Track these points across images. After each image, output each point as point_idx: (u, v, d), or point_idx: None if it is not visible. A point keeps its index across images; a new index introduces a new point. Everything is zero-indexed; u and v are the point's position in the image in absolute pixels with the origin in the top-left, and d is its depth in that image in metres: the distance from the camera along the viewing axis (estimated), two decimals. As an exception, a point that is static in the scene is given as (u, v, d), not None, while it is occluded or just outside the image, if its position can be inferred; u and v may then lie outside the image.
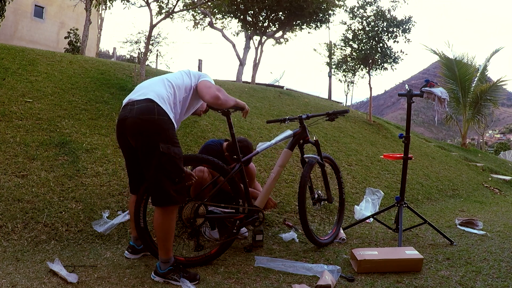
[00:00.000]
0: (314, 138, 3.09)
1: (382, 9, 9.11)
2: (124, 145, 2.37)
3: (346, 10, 9.67)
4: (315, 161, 3.02)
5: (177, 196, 2.22)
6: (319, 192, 3.12)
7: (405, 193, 3.44)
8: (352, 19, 9.48)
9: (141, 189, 2.38)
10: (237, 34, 13.80)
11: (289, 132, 2.99)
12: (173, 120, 2.25)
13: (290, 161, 4.67)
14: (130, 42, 19.47)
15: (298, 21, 11.74)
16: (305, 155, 3.04)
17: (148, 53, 15.56)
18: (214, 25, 12.22)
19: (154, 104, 2.19)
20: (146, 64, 12.39)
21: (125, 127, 2.24)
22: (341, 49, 10.35)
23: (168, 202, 2.20)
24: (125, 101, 2.32)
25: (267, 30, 11.94)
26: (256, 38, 12.10)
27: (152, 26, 6.45)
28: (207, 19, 12.50)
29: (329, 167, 3.28)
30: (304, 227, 2.88)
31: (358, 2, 9.33)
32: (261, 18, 11.60)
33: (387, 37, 9.14)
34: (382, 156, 4.18)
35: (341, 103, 17.08)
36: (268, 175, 4.18)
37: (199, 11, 12.61)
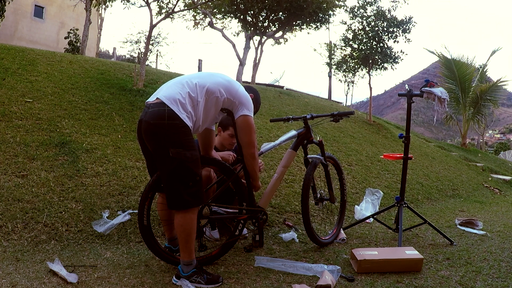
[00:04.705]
0: (318, 139, 3.07)
1: (382, 9, 9.11)
2: (142, 145, 2.36)
3: (346, 10, 9.67)
4: (318, 162, 3.00)
5: (192, 200, 2.20)
6: (322, 191, 3.11)
7: (405, 193, 3.44)
8: (352, 19, 9.48)
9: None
10: (237, 34, 13.81)
11: (293, 133, 2.96)
12: (187, 123, 2.18)
13: (290, 161, 4.66)
14: (130, 42, 19.53)
15: (298, 21, 11.74)
16: (308, 156, 3.02)
17: (148, 53, 15.56)
18: (214, 25, 12.22)
19: (166, 108, 2.14)
20: (146, 64, 12.38)
21: (140, 129, 2.25)
22: (341, 49, 10.36)
23: (183, 206, 2.19)
24: (147, 100, 2.31)
25: (267, 30, 11.93)
26: (256, 38, 12.10)
27: (152, 26, 6.45)
28: (207, 19, 12.50)
29: (332, 168, 3.28)
30: (306, 226, 2.87)
31: (358, 2, 9.32)
32: (261, 18, 11.60)
33: (387, 37, 9.14)
34: (382, 156, 4.17)
35: (341, 103, 17.10)
36: (270, 175, 4.19)
37: (199, 11, 12.61)
